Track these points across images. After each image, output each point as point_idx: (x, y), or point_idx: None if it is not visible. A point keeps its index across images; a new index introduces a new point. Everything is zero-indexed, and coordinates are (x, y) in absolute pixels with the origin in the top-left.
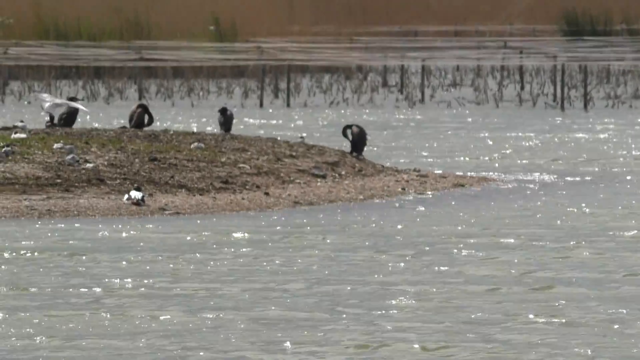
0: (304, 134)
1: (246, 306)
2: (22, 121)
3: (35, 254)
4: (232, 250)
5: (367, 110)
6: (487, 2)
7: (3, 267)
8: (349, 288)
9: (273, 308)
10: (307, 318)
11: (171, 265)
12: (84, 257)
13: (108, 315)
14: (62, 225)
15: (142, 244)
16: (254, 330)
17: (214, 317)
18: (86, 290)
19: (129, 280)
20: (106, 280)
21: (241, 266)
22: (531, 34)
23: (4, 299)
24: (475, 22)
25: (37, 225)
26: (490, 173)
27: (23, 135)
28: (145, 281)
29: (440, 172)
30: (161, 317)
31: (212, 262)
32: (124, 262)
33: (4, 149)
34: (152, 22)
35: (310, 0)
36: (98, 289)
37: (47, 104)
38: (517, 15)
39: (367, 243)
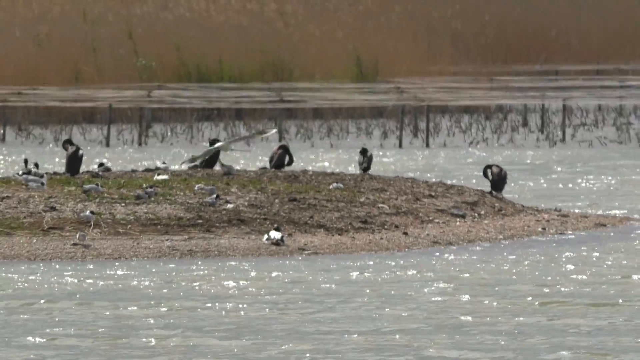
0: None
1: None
2: (164, 162)
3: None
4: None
5: (508, 151)
6: (630, 41)
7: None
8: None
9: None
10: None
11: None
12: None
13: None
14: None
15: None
16: None
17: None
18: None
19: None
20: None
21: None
22: None
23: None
24: (617, 61)
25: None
26: (635, 214)
27: (165, 177)
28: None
29: (581, 212)
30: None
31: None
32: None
33: (146, 190)
34: (294, 63)
35: (450, 40)
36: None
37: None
38: None
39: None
